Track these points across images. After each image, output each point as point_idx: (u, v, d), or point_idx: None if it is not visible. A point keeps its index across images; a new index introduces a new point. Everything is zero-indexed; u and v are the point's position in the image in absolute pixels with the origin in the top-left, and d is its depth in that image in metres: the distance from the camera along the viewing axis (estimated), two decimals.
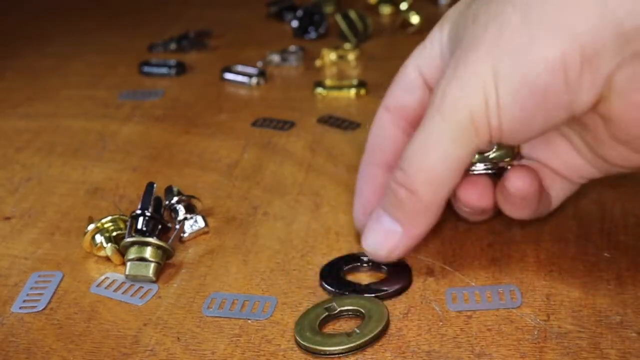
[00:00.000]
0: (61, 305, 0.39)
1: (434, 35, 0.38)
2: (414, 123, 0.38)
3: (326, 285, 0.38)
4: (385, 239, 0.37)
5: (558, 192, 0.39)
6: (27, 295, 0.40)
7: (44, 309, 0.39)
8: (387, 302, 0.37)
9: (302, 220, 0.44)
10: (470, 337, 0.35)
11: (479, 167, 0.38)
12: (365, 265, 0.40)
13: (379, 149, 0.40)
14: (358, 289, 0.38)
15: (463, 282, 0.38)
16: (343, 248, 0.42)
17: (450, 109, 0.33)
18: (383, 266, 0.39)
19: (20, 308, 0.39)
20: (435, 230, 0.42)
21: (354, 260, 0.40)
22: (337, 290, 0.38)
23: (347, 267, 0.40)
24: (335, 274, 0.39)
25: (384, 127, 0.40)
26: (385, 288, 0.38)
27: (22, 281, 0.41)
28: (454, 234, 0.42)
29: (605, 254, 0.39)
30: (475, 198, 0.38)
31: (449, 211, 0.44)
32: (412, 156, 0.35)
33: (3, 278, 0.41)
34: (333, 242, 0.42)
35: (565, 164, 0.38)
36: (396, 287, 0.38)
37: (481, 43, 0.33)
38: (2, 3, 0.89)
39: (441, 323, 0.36)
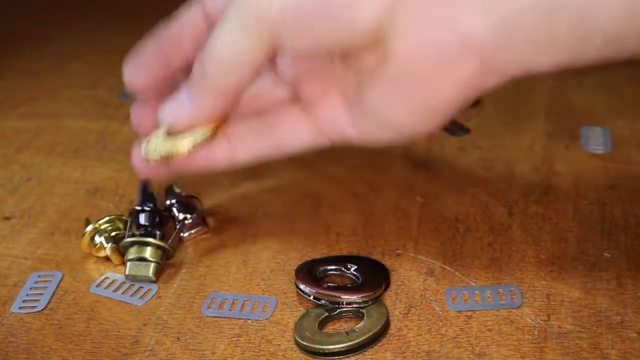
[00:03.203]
0: (61, 306, 0.39)
1: None
2: (212, 14, 0.39)
3: (303, 289, 0.38)
4: (175, 108, 0.38)
5: (301, 138, 0.40)
6: (27, 295, 0.40)
7: (43, 309, 0.39)
8: (387, 302, 0.37)
9: (302, 220, 0.44)
10: (470, 337, 0.35)
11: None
12: (339, 270, 0.39)
13: (177, 32, 0.40)
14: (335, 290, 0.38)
15: (463, 282, 0.38)
16: (343, 248, 0.42)
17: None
18: (354, 272, 0.39)
19: (20, 308, 0.39)
20: (435, 230, 0.42)
21: (326, 263, 0.40)
22: (314, 291, 0.37)
23: (321, 270, 0.39)
24: (311, 277, 0.39)
25: (192, 18, 0.40)
26: (363, 294, 0.37)
27: (22, 281, 0.41)
28: (454, 234, 0.42)
29: (605, 254, 0.39)
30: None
31: (449, 211, 0.44)
32: (210, 38, 0.36)
33: (3, 278, 0.41)
34: (333, 242, 0.42)
35: (326, 109, 0.38)
36: (373, 292, 0.37)
37: None
38: (2, 3, 0.89)
39: (441, 323, 0.36)
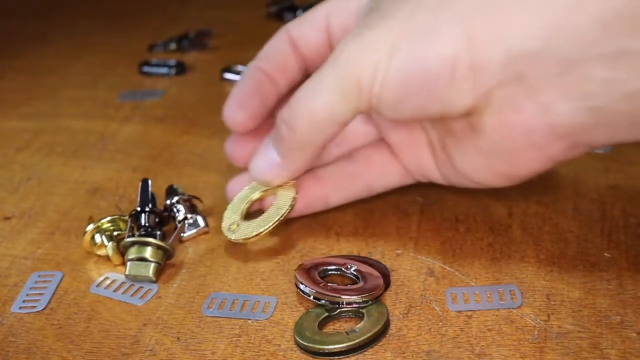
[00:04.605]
0: (61, 305, 0.39)
1: None
2: (307, 57, 0.42)
3: (303, 289, 0.37)
4: (268, 167, 0.40)
5: (390, 179, 0.42)
6: (27, 295, 0.40)
7: (43, 309, 0.39)
8: (387, 302, 0.37)
9: (302, 220, 0.44)
10: (470, 337, 0.35)
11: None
12: (339, 270, 0.39)
13: (267, 59, 0.43)
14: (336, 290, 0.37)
15: (463, 282, 0.38)
16: (343, 248, 0.42)
17: (344, 64, 0.35)
18: (354, 272, 0.39)
19: (20, 308, 0.39)
20: (435, 230, 0.42)
21: (326, 263, 0.40)
22: (315, 291, 0.37)
23: (321, 270, 0.39)
24: (311, 277, 0.38)
25: (281, 46, 0.42)
26: (363, 294, 0.37)
27: (22, 281, 0.41)
28: (454, 234, 0.42)
29: (605, 254, 0.39)
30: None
31: (449, 211, 0.44)
32: (301, 97, 0.37)
33: (3, 278, 0.41)
34: (333, 242, 0.42)
35: (414, 156, 0.41)
36: (373, 292, 0.37)
37: (394, 16, 0.35)
38: (2, 3, 0.89)
39: (441, 323, 0.36)
